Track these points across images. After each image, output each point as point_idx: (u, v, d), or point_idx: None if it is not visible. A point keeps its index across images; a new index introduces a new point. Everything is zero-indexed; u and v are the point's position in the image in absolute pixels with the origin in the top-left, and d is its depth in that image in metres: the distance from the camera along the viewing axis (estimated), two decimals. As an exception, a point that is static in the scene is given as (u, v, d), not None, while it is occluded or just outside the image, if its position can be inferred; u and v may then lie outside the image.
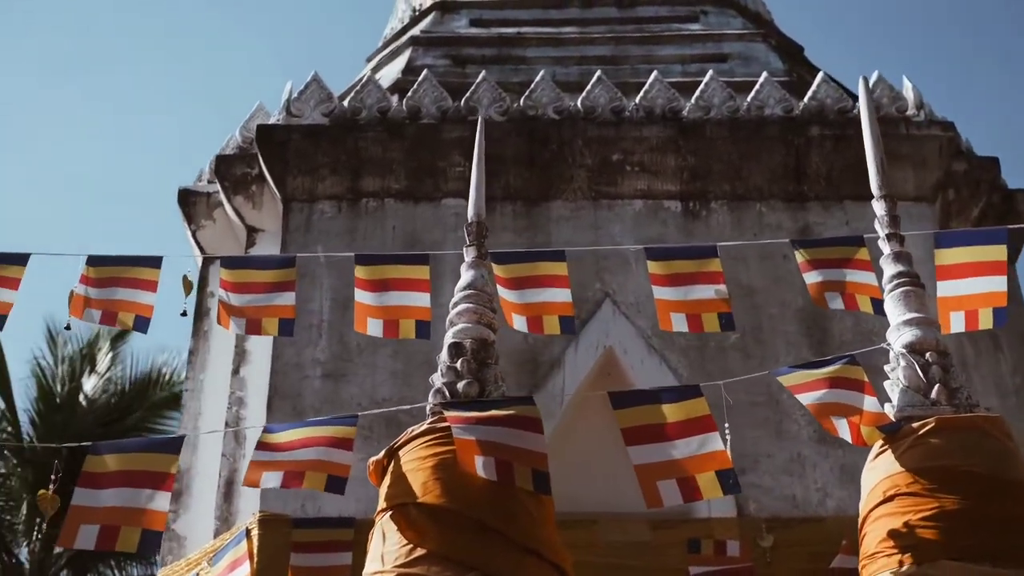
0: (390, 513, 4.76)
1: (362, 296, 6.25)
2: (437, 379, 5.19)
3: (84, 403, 22.14)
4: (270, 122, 9.33)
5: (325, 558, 6.95)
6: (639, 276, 8.02)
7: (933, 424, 4.83)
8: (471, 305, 5.36)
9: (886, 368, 5.25)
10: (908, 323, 5.28)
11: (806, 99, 9.29)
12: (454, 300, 5.47)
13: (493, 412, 4.89)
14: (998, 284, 5.70)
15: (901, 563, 4.61)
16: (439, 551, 4.57)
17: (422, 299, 6.21)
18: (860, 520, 4.98)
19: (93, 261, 6.30)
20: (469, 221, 5.77)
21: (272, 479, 5.29)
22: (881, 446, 4.96)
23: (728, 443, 5.12)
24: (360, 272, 6.31)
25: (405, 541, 4.64)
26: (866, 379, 5.14)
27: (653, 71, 9.70)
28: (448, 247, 8.01)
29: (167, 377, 21.56)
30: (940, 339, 5.23)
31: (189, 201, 9.81)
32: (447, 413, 4.89)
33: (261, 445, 5.34)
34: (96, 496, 5.04)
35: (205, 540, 7.96)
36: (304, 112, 9.29)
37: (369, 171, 8.99)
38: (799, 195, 8.95)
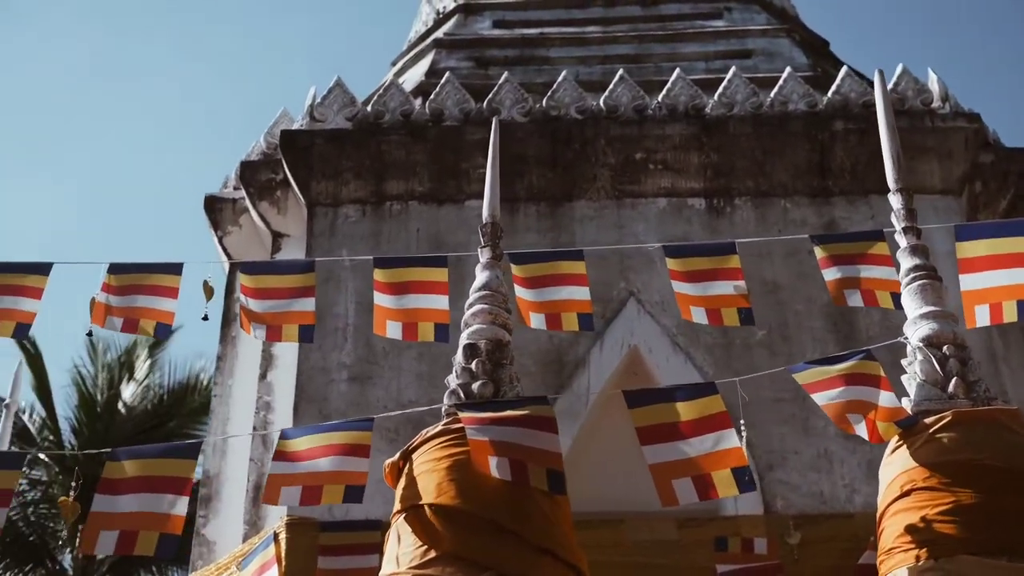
0: (405, 515, 4.76)
1: (381, 299, 6.27)
2: (452, 380, 5.20)
3: (123, 410, 22.33)
4: (294, 127, 9.37)
5: (352, 561, 6.96)
6: (663, 275, 7.96)
7: (950, 418, 4.79)
8: (486, 306, 5.36)
9: (903, 362, 5.22)
10: (925, 316, 5.24)
11: (830, 93, 9.25)
12: (469, 301, 5.47)
13: (507, 412, 4.88)
14: (1022, 276, 5.65)
15: (918, 558, 4.58)
16: (454, 552, 4.57)
17: (441, 301, 6.22)
18: (878, 515, 4.95)
19: (114, 269, 6.34)
20: (484, 222, 5.77)
21: (291, 496, 5.28)
22: (898, 441, 4.93)
23: (744, 440, 5.09)
24: (379, 275, 6.32)
25: (420, 542, 4.64)
26: (883, 374, 5.10)
27: (676, 69, 9.67)
28: (472, 248, 7.92)
29: (204, 383, 21.69)
30: (958, 332, 5.19)
31: (215, 207, 9.87)
32: (461, 414, 4.89)
33: (279, 454, 5.33)
34: (115, 502, 5.07)
35: (234, 544, 8.01)
36: (328, 117, 9.32)
37: (393, 174, 9.02)
38: (824, 190, 8.91)
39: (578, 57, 10.67)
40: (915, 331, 5.24)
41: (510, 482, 4.67)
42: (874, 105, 9.04)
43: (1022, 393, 8.16)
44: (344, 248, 8.67)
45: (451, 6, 11.66)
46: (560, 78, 9.54)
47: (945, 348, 5.11)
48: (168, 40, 39.83)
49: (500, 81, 9.50)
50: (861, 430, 5.05)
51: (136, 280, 6.31)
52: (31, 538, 20.77)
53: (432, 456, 4.84)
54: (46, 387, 22.37)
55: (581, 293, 6.26)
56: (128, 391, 22.50)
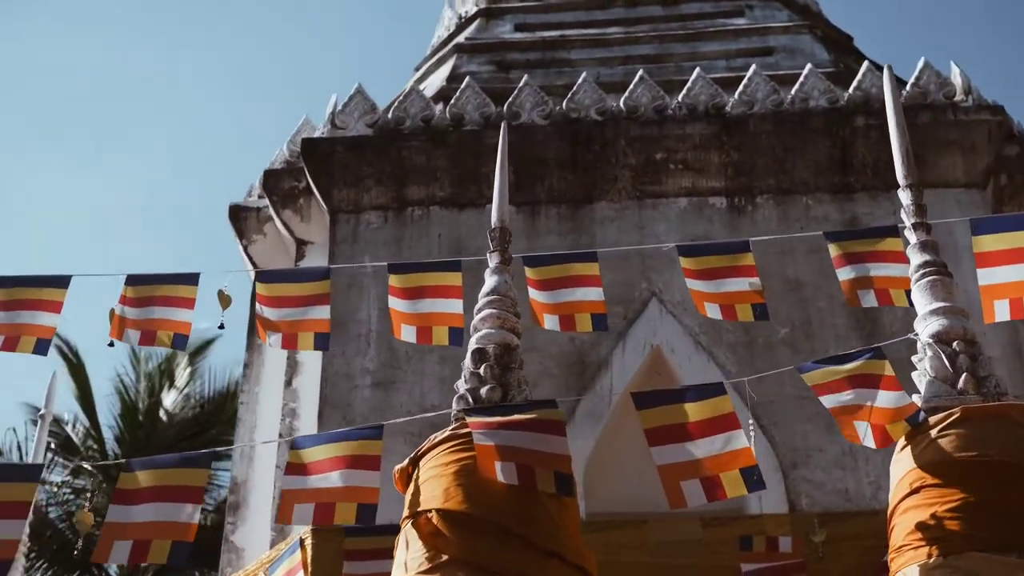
0: (412, 520, 4.78)
1: (396, 304, 6.29)
2: (461, 385, 5.21)
3: (165, 418, 22.51)
4: (315, 135, 9.42)
5: (377, 565, 6.96)
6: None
7: (958, 414, 4.76)
8: (494, 311, 5.37)
9: (913, 359, 5.19)
10: (935, 312, 5.21)
11: (851, 89, 9.21)
12: (478, 306, 5.48)
13: (515, 417, 4.89)
14: None
15: (928, 555, 4.55)
16: (461, 557, 4.58)
17: (455, 305, 6.23)
18: (888, 513, 4.93)
19: (131, 280, 6.34)
20: (492, 227, 5.79)
21: (304, 514, 5.25)
22: (907, 438, 4.90)
23: (753, 440, 5.08)
24: (394, 281, 6.35)
25: (427, 548, 4.65)
26: (891, 372, 5.07)
27: (696, 68, 9.66)
28: (496, 252, 8.04)
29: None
30: (968, 328, 5.16)
31: (240, 216, 9.94)
32: (469, 419, 4.89)
33: (291, 467, 5.31)
34: (129, 512, 5.11)
35: (262, 551, 8.05)
36: (349, 124, 9.37)
37: (414, 180, 9.05)
38: (846, 186, 8.87)
39: (599, 58, 10.67)
40: (925, 327, 5.21)
41: (517, 486, 4.67)
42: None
43: (1050, 387, 8.10)
44: (366, 254, 8.71)
45: (473, 11, 11.69)
46: (580, 80, 9.55)
47: (955, 344, 5.08)
48: (192, 49, 40.10)
49: (520, 84, 9.52)
50: (867, 439, 5.02)
51: (153, 291, 6.31)
52: (77, 545, 20.95)
53: (440, 461, 4.86)
54: (89, 396, 22.60)
55: (595, 294, 6.27)
56: (169, 399, 22.70)
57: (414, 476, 4.98)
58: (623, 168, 8.99)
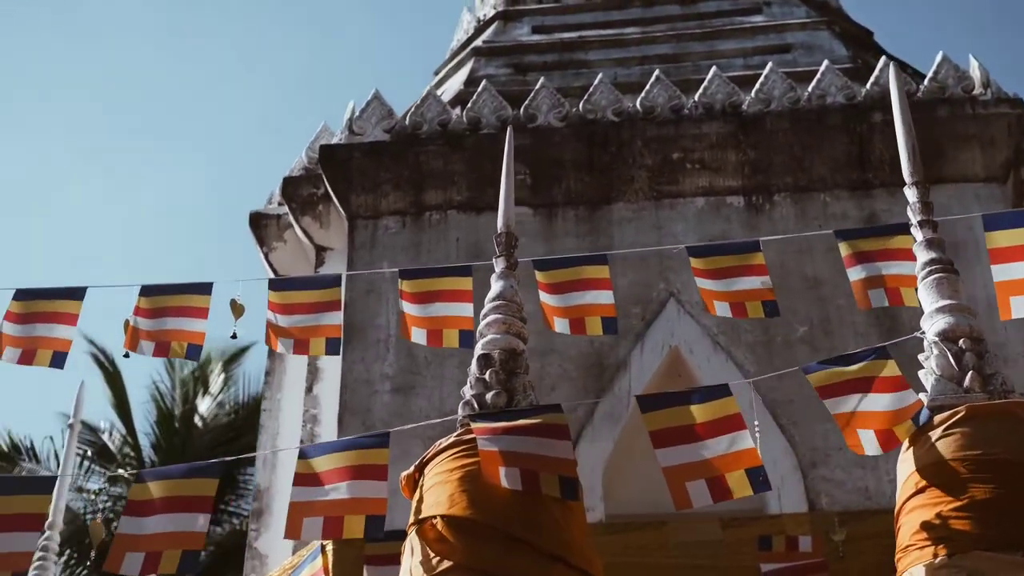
0: (418, 527, 4.79)
1: (408, 308, 6.31)
2: (467, 391, 5.22)
3: (200, 424, 22.65)
4: (333, 142, 9.46)
5: (397, 570, 6.97)
6: (703, 275, 7.99)
7: (963, 413, 4.71)
8: (500, 316, 5.36)
9: (920, 357, 5.16)
10: (941, 310, 5.17)
11: (868, 85, 9.17)
12: (484, 311, 5.48)
13: (519, 422, 4.88)
14: None
15: (934, 555, 4.52)
16: (465, 563, 4.57)
17: (466, 309, 6.24)
18: (895, 513, 4.90)
19: (145, 291, 6.35)
20: (498, 231, 5.78)
21: (313, 528, 5.19)
22: (913, 437, 4.87)
23: (758, 442, 5.06)
24: (406, 286, 6.36)
25: (432, 554, 4.65)
26: (897, 372, 5.04)
27: (713, 67, 9.64)
28: (511, 255, 8.05)
29: (279, 397, 21.87)
30: (974, 325, 5.11)
31: (260, 224, 9.99)
32: (473, 425, 4.89)
33: (299, 478, 5.21)
34: (140, 524, 5.11)
35: (285, 557, 8.08)
36: (366, 130, 9.40)
37: (431, 184, 9.08)
38: (864, 183, 8.84)
39: (616, 59, 10.66)
40: (931, 326, 5.18)
41: (521, 491, 4.67)
42: (915, 95, 9.08)
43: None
44: (385, 260, 8.74)
45: (491, 13, 11.70)
46: (596, 81, 9.55)
47: (961, 342, 5.04)
48: (216, 58, 40.32)
49: (536, 87, 9.53)
50: (871, 446, 4.99)
51: (166, 302, 6.31)
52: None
53: (444, 468, 4.86)
54: (125, 404, 22.78)
55: (605, 297, 6.26)
56: (204, 405, 22.84)
57: (420, 483, 4.98)
58: (640, 169, 8.98)
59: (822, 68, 9.38)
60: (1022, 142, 8.96)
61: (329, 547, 7.24)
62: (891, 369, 5.07)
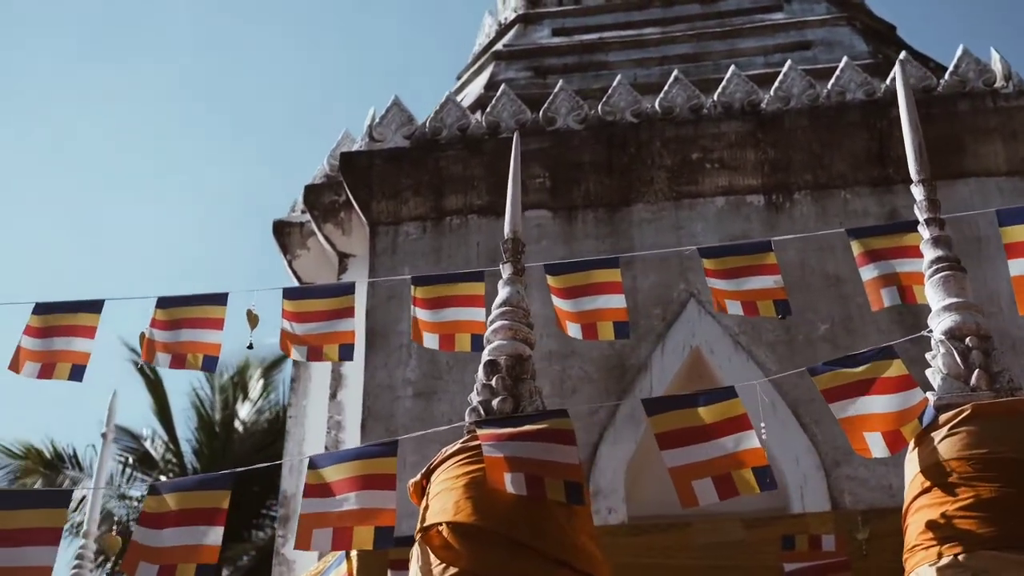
0: (423, 533, 4.82)
1: (420, 314, 6.33)
2: (473, 397, 5.23)
3: (241, 429, 22.80)
4: (354, 149, 9.50)
5: (422, 576, 7.02)
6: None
7: (968, 411, 4.69)
8: (507, 322, 5.37)
9: (927, 356, 5.14)
10: (947, 308, 5.15)
11: (888, 80, 9.12)
12: (491, 318, 5.49)
13: (525, 427, 4.89)
14: None
15: (940, 555, 4.50)
16: (470, 569, 4.59)
17: (477, 314, 6.25)
18: (903, 513, 4.89)
19: (162, 303, 6.39)
20: (505, 238, 5.80)
21: (322, 540, 5.18)
22: (918, 437, 4.86)
23: (764, 442, 5.05)
24: (418, 292, 6.38)
25: (438, 561, 4.67)
26: (903, 372, 5.02)
27: (732, 66, 9.61)
28: (531, 259, 8.02)
29: (318, 401, 21.99)
30: (981, 323, 5.08)
31: (284, 232, 10.06)
32: (479, 431, 4.90)
33: (309, 488, 5.20)
34: (154, 536, 5.14)
35: (312, 563, 8.14)
36: (386, 136, 9.45)
37: (451, 189, 9.10)
38: (884, 179, 8.79)
39: (636, 60, 10.66)
40: (938, 324, 5.15)
41: (526, 496, 4.68)
42: (934, 89, 9.04)
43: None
44: (406, 265, 8.77)
45: (512, 17, 11.73)
46: (615, 82, 9.54)
47: (968, 340, 5.01)
48: (239, 66, 40.53)
49: (555, 90, 9.54)
50: (878, 448, 4.98)
51: (182, 313, 6.35)
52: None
53: (450, 474, 4.88)
54: (167, 411, 22.97)
55: (616, 301, 6.24)
56: (244, 411, 22.99)
57: (427, 490, 5.01)
58: (659, 169, 8.98)
59: (841, 64, 9.34)
60: (1046, 134, 8.90)
61: (354, 553, 7.29)
62: (897, 368, 5.05)
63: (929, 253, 5.41)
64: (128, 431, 22.81)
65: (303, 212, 9.97)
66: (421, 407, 8.26)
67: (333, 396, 8.82)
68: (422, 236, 9.03)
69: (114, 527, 5.94)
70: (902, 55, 9.40)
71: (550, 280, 6.30)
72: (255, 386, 22.97)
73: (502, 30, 11.67)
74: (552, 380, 8.24)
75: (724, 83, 9.34)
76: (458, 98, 10.08)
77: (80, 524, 10.00)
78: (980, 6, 37.49)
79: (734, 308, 6.22)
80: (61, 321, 6.38)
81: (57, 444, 22.20)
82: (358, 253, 9.45)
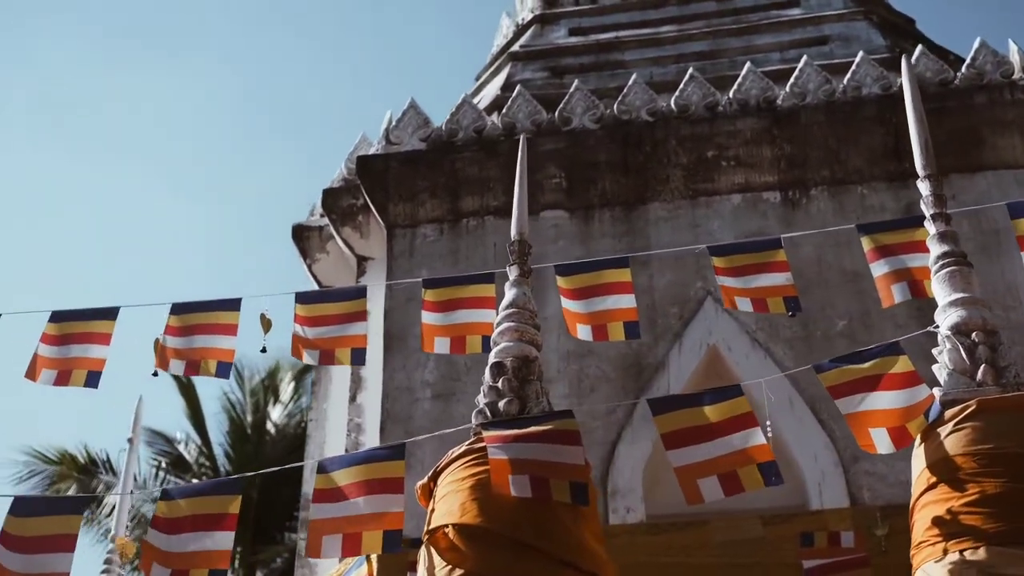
0: (430, 536, 4.84)
1: (429, 318, 6.34)
2: (480, 400, 5.25)
3: (273, 432, 22.91)
4: (370, 152, 9.54)
5: (441, 575, 7.03)
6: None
7: (973, 407, 4.67)
8: (513, 323, 5.38)
9: (934, 351, 5.12)
10: (954, 304, 5.12)
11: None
12: (497, 319, 5.50)
13: (530, 429, 4.89)
14: None
15: (945, 551, 4.49)
16: (476, 570, 4.61)
17: (489, 316, 6.26)
18: (910, 509, 4.89)
19: (176, 309, 6.43)
20: (511, 239, 5.81)
21: (332, 546, 5.17)
22: (924, 433, 4.85)
23: (770, 439, 5.04)
24: (429, 296, 6.39)
25: (444, 562, 4.69)
26: (910, 368, 5.01)
27: (748, 62, 9.60)
28: (549, 259, 8.04)
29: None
30: (987, 317, 5.06)
31: (303, 236, 10.11)
32: (485, 433, 4.92)
33: (318, 495, 5.21)
34: (166, 540, 5.19)
35: (333, 565, 8.18)
36: (403, 139, 9.48)
37: (467, 191, 9.12)
38: (901, 173, 8.74)
39: (652, 58, 10.65)
40: (944, 319, 5.13)
41: (532, 498, 4.69)
42: (951, 82, 9.00)
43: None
44: (423, 267, 8.79)
45: (529, 18, 11.74)
46: (630, 81, 9.54)
47: (974, 335, 4.99)
48: (263, 69, 40.66)
49: (571, 90, 9.54)
50: (884, 445, 4.98)
51: (195, 320, 6.37)
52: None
53: (456, 476, 4.90)
54: (199, 415, 23.12)
55: (627, 301, 6.23)
56: (275, 414, 23.10)
57: (434, 492, 5.03)
58: (675, 168, 8.97)
59: (857, 59, 9.30)
60: (1064, 126, 8.84)
61: (374, 555, 7.32)
62: (903, 365, 5.04)
63: (935, 248, 5.39)
64: (162, 435, 23.02)
65: (321, 216, 10.02)
66: (440, 409, 8.28)
67: (353, 399, 8.85)
68: (439, 238, 9.05)
69: (126, 532, 5.95)
70: (919, 49, 9.36)
71: (560, 281, 6.30)
72: (286, 389, 23.09)
73: (519, 31, 11.68)
74: (570, 379, 8.25)
75: (740, 80, 9.32)
76: (475, 100, 10.11)
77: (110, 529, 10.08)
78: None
79: (744, 305, 6.21)
80: (77, 329, 6.42)
81: (91, 449, 22.40)
82: (376, 256, 9.48)
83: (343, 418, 8.91)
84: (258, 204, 39.76)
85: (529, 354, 5.32)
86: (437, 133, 9.41)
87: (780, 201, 8.80)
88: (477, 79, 11.66)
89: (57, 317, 6.46)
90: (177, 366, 6.33)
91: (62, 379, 6.37)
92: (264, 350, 6.44)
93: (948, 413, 4.76)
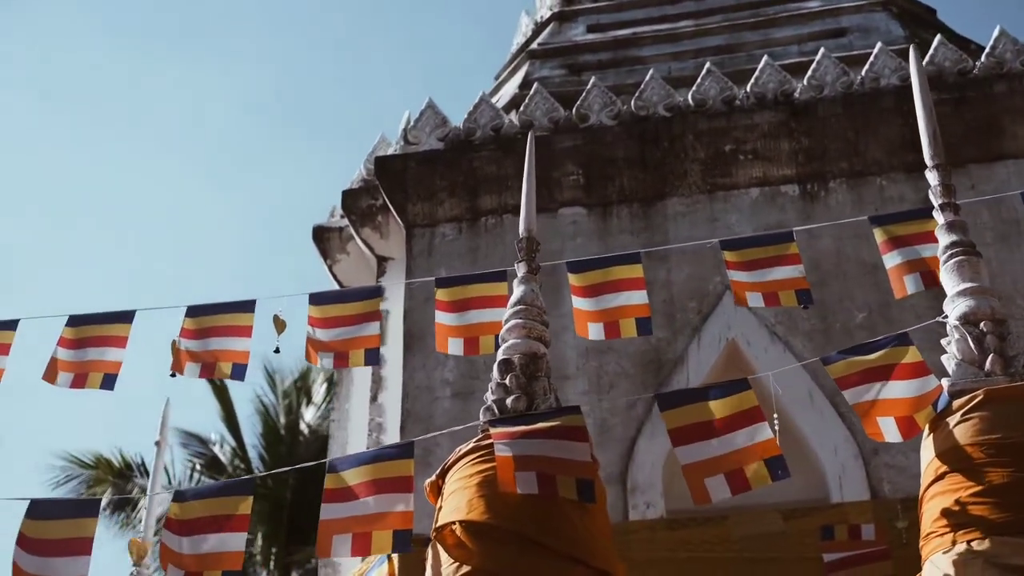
0: (438, 533, 4.85)
1: (443, 318, 6.34)
2: (488, 396, 5.26)
3: (307, 432, 23.02)
4: (389, 152, 9.57)
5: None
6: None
7: (981, 397, 4.65)
8: (521, 320, 5.39)
9: (943, 342, 5.10)
10: (962, 293, 5.11)
11: (923, 64, 9.02)
12: (505, 316, 5.51)
13: (537, 425, 4.89)
14: None
15: (954, 542, 4.48)
16: (483, 567, 4.63)
17: (500, 314, 6.24)
18: (918, 501, 4.87)
19: (191, 312, 6.45)
20: (520, 236, 5.82)
21: (342, 546, 5.12)
22: (932, 424, 4.83)
23: (777, 434, 5.03)
24: (441, 295, 6.40)
25: (452, 560, 4.71)
26: (918, 358, 5.00)
27: (765, 56, 9.56)
28: (567, 255, 8.04)
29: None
30: (996, 307, 5.04)
31: (323, 237, 10.15)
32: (492, 430, 4.92)
33: (328, 494, 5.16)
34: (178, 542, 5.22)
35: (355, 564, 8.21)
36: (421, 139, 9.50)
37: (485, 189, 9.13)
38: (920, 164, 8.54)
39: (670, 53, 10.63)
40: (953, 309, 5.11)
41: (538, 494, 4.69)
42: (970, 72, 8.94)
43: None
44: (442, 267, 8.80)
45: (547, 15, 11.75)
46: (647, 77, 9.53)
47: (983, 324, 4.97)
48: (282, 71, 40.78)
49: (588, 86, 9.54)
50: (892, 434, 4.96)
51: (210, 322, 6.39)
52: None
53: (464, 474, 4.91)
54: (233, 417, 23.28)
55: (638, 297, 6.21)
56: (309, 415, 23.21)
57: (442, 489, 5.04)
58: (693, 162, 8.95)
59: (875, 50, 9.26)
60: (1085, 114, 8.77)
61: (395, 553, 7.34)
62: (912, 355, 5.04)
63: (944, 238, 5.38)
64: (197, 436, 23.18)
65: (341, 217, 10.05)
66: (459, 407, 8.30)
67: (374, 399, 8.88)
68: (458, 237, 9.07)
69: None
70: (937, 39, 9.30)
71: (572, 279, 6.27)
72: (318, 391, 23.19)
73: (538, 29, 11.69)
74: (589, 376, 8.25)
75: (757, 73, 9.29)
76: (494, 98, 10.12)
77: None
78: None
79: (755, 300, 6.17)
80: (94, 332, 6.46)
81: (126, 453, 22.57)
82: (396, 256, 9.51)
83: (365, 418, 8.93)
84: (280, 206, 39.87)
85: (537, 351, 5.33)
86: (455, 132, 9.42)
87: (799, 194, 8.77)
88: (496, 78, 11.67)
89: (74, 321, 6.49)
90: (192, 369, 6.34)
91: (78, 382, 6.40)
92: (277, 351, 6.45)
93: (956, 403, 4.74)
